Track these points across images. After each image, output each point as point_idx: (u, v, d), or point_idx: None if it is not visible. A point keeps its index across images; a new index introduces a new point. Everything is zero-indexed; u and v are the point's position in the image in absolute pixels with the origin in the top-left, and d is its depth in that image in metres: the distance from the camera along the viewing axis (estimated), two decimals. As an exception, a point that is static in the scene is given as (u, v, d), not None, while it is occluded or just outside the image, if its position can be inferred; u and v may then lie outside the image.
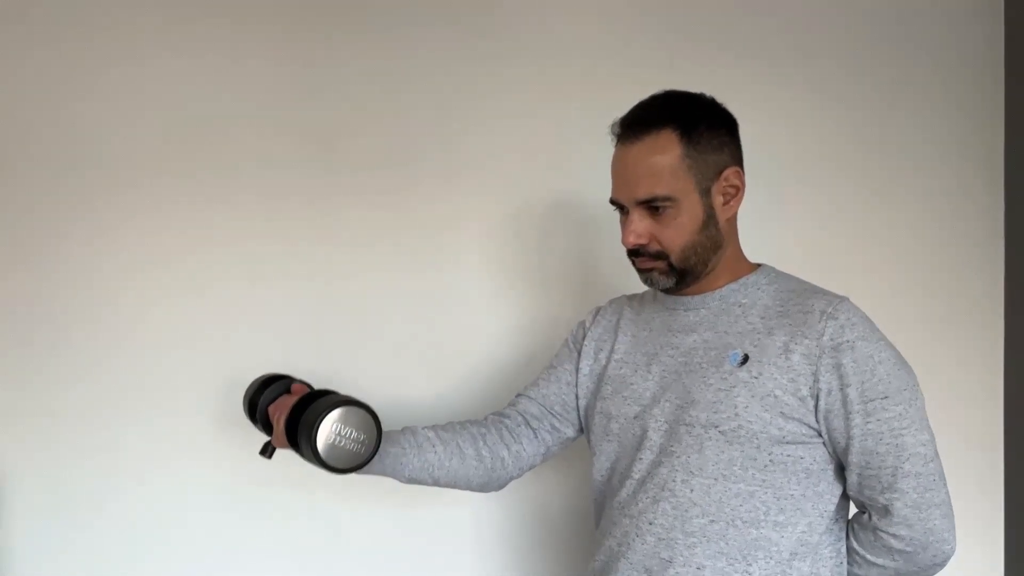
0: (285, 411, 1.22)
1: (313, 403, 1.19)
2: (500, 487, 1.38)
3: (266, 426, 1.31)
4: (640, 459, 1.20)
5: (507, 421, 1.37)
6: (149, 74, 1.62)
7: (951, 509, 1.14)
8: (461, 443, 1.31)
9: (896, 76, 1.90)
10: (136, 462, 1.61)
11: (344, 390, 1.65)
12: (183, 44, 1.63)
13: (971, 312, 1.94)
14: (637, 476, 1.20)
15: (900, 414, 1.10)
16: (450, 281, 1.73)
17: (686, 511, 1.14)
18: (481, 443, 1.32)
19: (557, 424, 1.37)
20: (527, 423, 1.36)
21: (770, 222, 1.80)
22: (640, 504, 1.18)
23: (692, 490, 1.14)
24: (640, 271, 1.22)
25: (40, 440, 1.58)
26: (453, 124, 1.72)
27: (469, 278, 1.73)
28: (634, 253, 1.20)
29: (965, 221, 1.94)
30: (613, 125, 1.20)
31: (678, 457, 1.15)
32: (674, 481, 1.15)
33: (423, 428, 1.32)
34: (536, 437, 1.36)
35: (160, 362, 1.62)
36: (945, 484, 1.14)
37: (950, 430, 1.88)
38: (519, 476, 1.38)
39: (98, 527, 1.60)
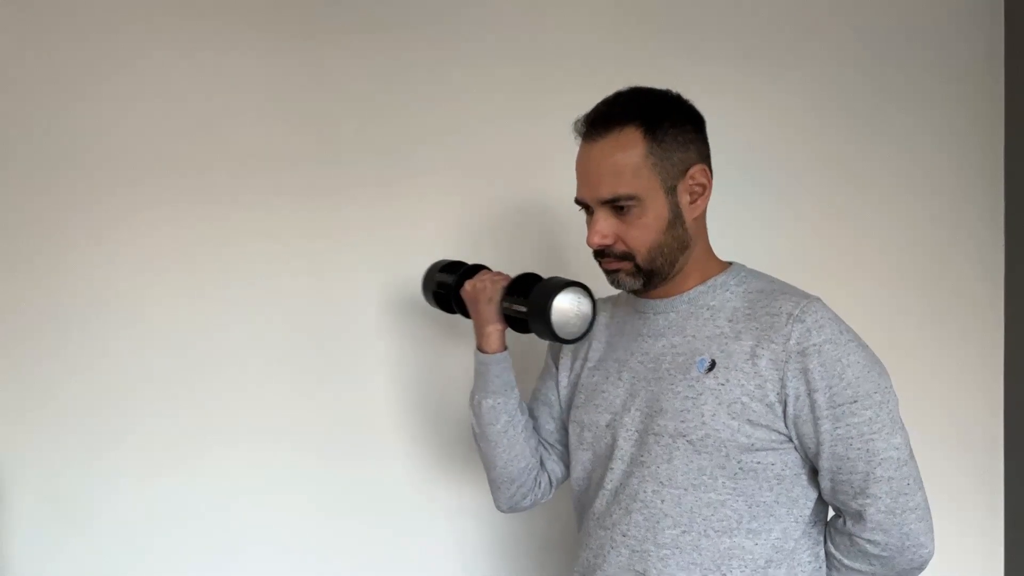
0: (506, 279, 1.31)
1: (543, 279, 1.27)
2: (514, 502, 1.37)
3: (458, 282, 1.40)
4: (612, 469, 1.19)
5: None
6: (147, 72, 1.63)
7: (928, 512, 1.11)
8: (530, 437, 1.34)
9: (896, 76, 1.89)
10: (136, 462, 1.63)
11: (343, 386, 1.69)
12: (181, 42, 1.64)
13: (971, 312, 1.94)
14: (610, 487, 1.19)
15: (870, 418, 1.07)
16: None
17: (658, 522, 1.13)
18: (535, 456, 1.35)
19: (559, 455, 1.39)
20: (542, 464, 1.38)
21: (769, 223, 1.81)
22: (614, 516, 1.18)
23: (663, 501, 1.13)
24: (606, 272, 1.20)
25: (40, 440, 1.60)
26: (446, 128, 1.73)
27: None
28: (599, 254, 1.18)
29: (965, 221, 1.93)
30: (576, 123, 1.17)
31: (648, 467, 1.14)
32: (645, 492, 1.14)
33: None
34: (549, 476, 1.39)
35: (160, 361, 1.64)
36: (921, 487, 1.11)
37: (950, 430, 1.90)
38: (530, 506, 1.38)
39: (98, 527, 1.62)
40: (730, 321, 1.15)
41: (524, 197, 1.77)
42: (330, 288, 1.71)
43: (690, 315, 1.18)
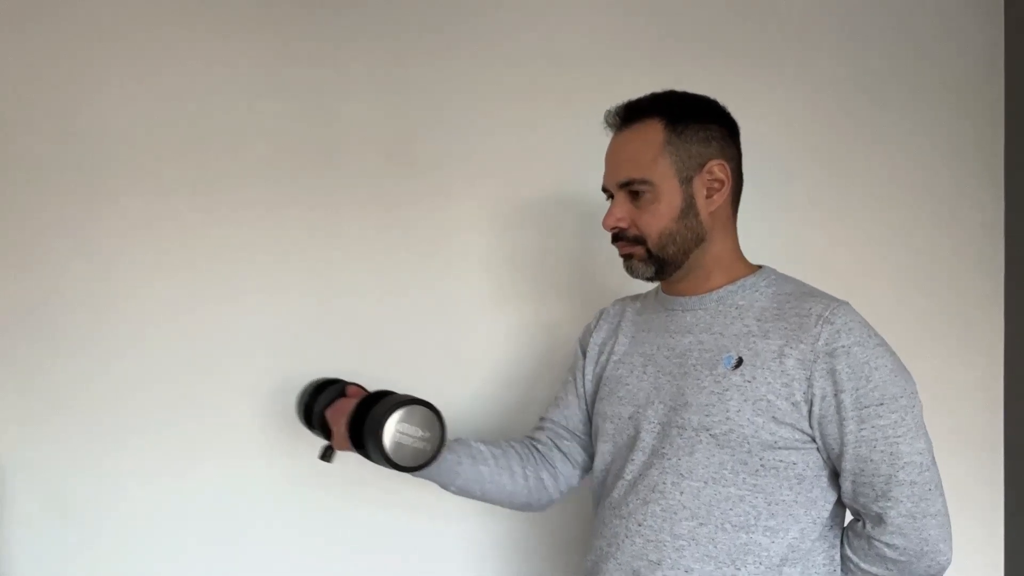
0: (345, 414, 1.22)
1: (376, 404, 1.20)
2: (542, 508, 1.40)
3: (323, 430, 1.31)
4: (632, 460, 1.20)
5: (540, 446, 1.39)
6: (151, 81, 1.62)
7: (947, 519, 1.12)
8: (511, 461, 1.33)
9: (896, 76, 1.89)
10: (137, 464, 1.61)
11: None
12: (183, 52, 1.63)
13: (971, 312, 1.94)
14: (629, 477, 1.20)
15: (895, 422, 1.08)
16: (451, 284, 1.72)
17: (675, 513, 1.14)
18: (527, 463, 1.35)
19: (583, 444, 1.39)
20: (557, 447, 1.38)
21: (769, 224, 1.79)
22: (630, 505, 1.18)
23: (682, 492, 1.14)
24: (622, 258, 1.24)
25: (41, 442, 1.58)
26: (451, 130, 1.72)
27: (470, 281, 1.73)
28: (615, 238, 1.23)
29: (965, 221, 1.93)
30: (607, 114, 1.24)
31: (669, 459, 1.15)
32: (664, 483, 1.15)
33: (475, 442, 1.33)
34: (567, 459, 1.38)
35: (161, 365, 1.62)
36: (942, 494, 1.12)
37: (950, 430, 1.89)
38: (561, 499, 1.40)
39: (99, 529, 1.60)
40: (758, 320, 1.16)
41: (552, 198, 1.76)
42: (332, 291, 1.68)
43: (718, 313, 1.20)
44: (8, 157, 1.57)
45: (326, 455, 1.29)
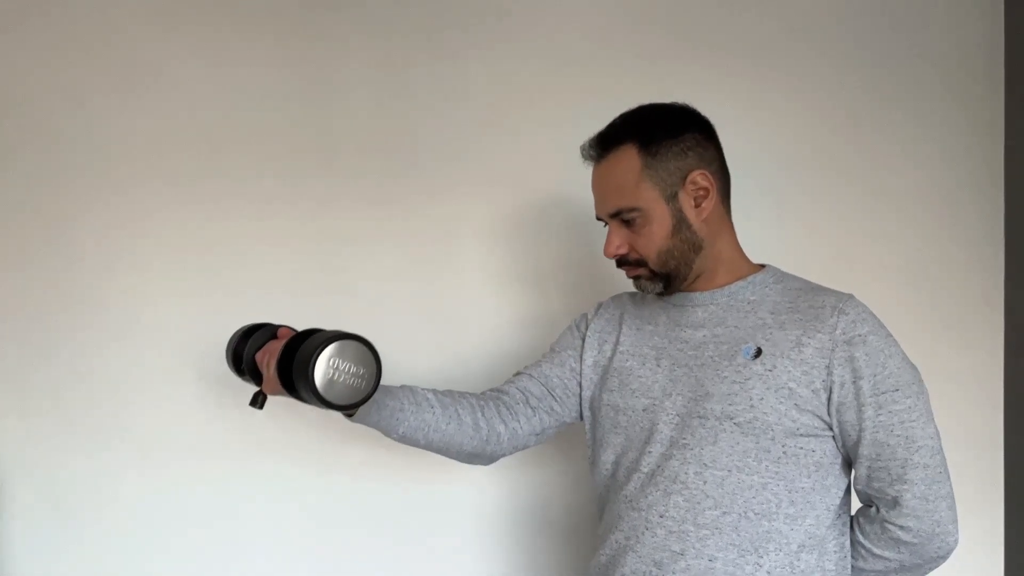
0: (275, 354, 1.14)
1: (305, 341, 1.12)
2: (490, 462, 1.36)
3: (254, 375, 1.23)
4: (649, 452, 1.20)
5: (505, 397, 1.34)
6: (153, 79, 1.62)
7: (955, 502, 1.16)
8: (460, 410, 1.28)
9: (896, 76, 1.90)
10: (135, 462, 1.61)
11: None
12: (186, 49, 1.63)
13: (971, 312, 1.94)
14: (646, 469, 1.20)
15: (910, 407, 1.13)
16: (450, 281, 1.73)
17: (699, 503, 1.15)
18: (479, 414, 1.29)
19: (556, 407, 1.35)
20: (526, 401, 1.34)
21: (768, 224, 1.80)
22: (650, 497, 1.19)
23: (705, 482, 1.15)
24: (631, 279, 1.27)
25: (39, 440, 1.58)
26: (452, 130, 1.73)
27: (469, 278, 1.73)
28: (619, 263, 1.26)
29: (965, 221, 1.94)
30: (583, 149, 1.26)
31: (691, 449, 1.16)
32: (686, 473, 1.16)
33: (422, 388, 1.29)
34: (534, 416, 1.34)
35: (160, 364, 1.62)
36: (949, 478, 1.16)
37: (950, 430, 1.87)
38: (510, 454, 1.36)
39: (97, 527, 1.60)
40: (772, 313, 1.20)
41: (550, 198, 1.76)
42: (331, 289, 1.68)
43: (730, 308, 1.23)
44: (8, 158, 1.57)
45: (256, 401, 1.20)
